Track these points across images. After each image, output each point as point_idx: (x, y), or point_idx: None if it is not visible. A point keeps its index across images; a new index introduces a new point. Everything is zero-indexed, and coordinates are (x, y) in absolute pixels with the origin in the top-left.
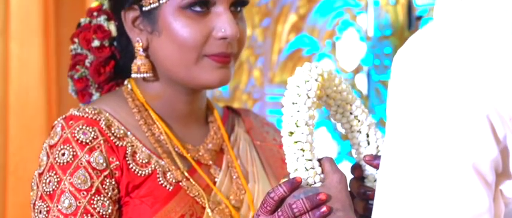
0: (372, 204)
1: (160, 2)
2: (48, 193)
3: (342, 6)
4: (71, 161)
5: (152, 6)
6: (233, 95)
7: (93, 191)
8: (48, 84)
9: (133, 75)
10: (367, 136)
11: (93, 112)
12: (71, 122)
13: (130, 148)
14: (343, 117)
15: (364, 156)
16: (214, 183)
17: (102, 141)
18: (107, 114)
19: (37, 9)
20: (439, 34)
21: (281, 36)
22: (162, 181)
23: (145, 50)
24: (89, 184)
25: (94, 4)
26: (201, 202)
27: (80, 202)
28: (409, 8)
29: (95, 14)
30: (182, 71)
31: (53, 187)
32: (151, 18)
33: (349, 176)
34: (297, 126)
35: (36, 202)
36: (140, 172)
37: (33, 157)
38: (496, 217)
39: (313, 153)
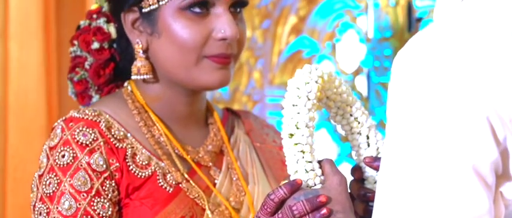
0: (372, 206)
1: (160, 3)
2: (48, 194)
3: (342, 8)
4: (71, 163)
5: (152, 7)
6: (233, 97)
7: (93, 193)
8: (48, 85)
9: (133, 77)
10: (367, 138)
11: (93, 114)
12: (71, 124)
13: (130, 149)
14: (343, 119)
15: (364, 158)
16: (214, 185)
17: (102, 143)
18: (107, 116)
19: (36, 10)
20: (439, 36)
21: (281, 38)
22: (162, 183)
23: (145, 51)
24: (89, 185)
25: (93, 6)
26: (201, 204)
27: (80, 204)
28: (409, 9)
29: (95, 16)
30: (182, 72)
31: (53, 188)
32: (151, 20)
33: (349, 178)
34: (297, 128)
35: (36, 204)
36: (140, 173)
37: (32, 158)
38: None
39: (313, 154)
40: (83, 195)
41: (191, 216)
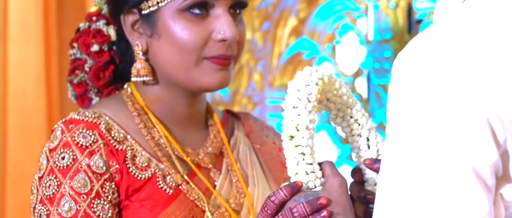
0: (372, 208)
1: (160, 5)
2: (48, 196)
3: (342, 10)
4: (70, 165)
5: (151, 9)
6: (233, 99)
7: (93, 194)
8: (49, 87)
9: (133, 79)
10: (368, 139)
11: (93, 115)
12: (70, 126)
13: (130, 151)
14: (344, 121)
15: (365, 160)
16: (214, 187)
17: (102, 145)
18: (107, 118)
19: (35, 12)
20: (439, 38)
21: (281, 40)
22: (162, 185)
23: (145, 53)
24: (89, 187)
25: (93, 9)
26: (200, 206)
27: (79, 206)
28: (409, 11)
29: (94, 18)
30: (182, 74)
31: (53, 190)
32: (150, 22)
33: (350, 180)
34: (298, 130)
35: (36, 206)
36: (140, 175)
37: (30, 160)
38: None
39: (313, 156)
40: (83, 197)
41: None
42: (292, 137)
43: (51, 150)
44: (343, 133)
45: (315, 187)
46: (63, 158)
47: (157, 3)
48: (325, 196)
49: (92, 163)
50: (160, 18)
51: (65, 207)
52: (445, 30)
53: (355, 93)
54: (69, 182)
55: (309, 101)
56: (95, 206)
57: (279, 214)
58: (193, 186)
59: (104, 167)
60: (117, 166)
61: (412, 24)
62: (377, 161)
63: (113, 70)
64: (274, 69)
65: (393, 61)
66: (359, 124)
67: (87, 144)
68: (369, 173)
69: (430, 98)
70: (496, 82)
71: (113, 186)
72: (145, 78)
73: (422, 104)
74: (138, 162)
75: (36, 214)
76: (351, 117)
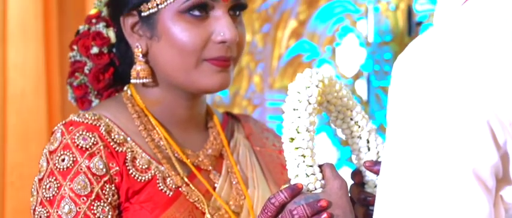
0: (373, 210)
1: (159, 7)
2: (48, 198)
3: (342, 12)
4: (70, 167)
5: (151, 11)
6: (233, 101)
7: (93, 196)
8: (49, 88)
9: (132, 81)
10: (368, 142)
11: (93, 117)
12: (70, 128)
13: (130, 153)
14: (344, 123)
15: (365, 162)
16: (214, 189)
17: (102, 147)
18: (107, 120)
19: (35, 13)
20: (439, 40)
21: (281, 42)
22: (161, 187)
23: (145, 55)
24: (89, 189)
25: (92, 11)
26: (200, 208)
27: (79, 208)
28: (409, 13)
29: (94, 21)
30: (182, 76)
31: (53, 192)
32: (150, 24)
33: (350, 182)
34: (298, 132)
35: (36, 208)
36: (140, 177)
37: (29, 162)
38: None
39: (314, 159)
40: (83, 199)
41: None
42: (292, 139)
43: (51, 152)
44: (343, 135)
45: (315, 189)
46: (63, 160)
47: (157, 5)
48: (326, 198)
49: (92, 165)
50: (160, 20)
51: (65, 209)
52: (445, 32)
53: (355, 95)
54: (69, 184)
55: (309, 103)
56: (94, 208)
57: (279, 216)
58: (193, 188)
59: (104, 170)
60: (117, 168)
61: (412, 26)
62: (377, 163)
63: (112, 72)
64: (274, 71)
65: (393, 64)
66: (359, 126)
67: (87, 146)
68: (369, 176)
69: (430, 100)
70: (496, 85)
71: (113, 188)
72: (145, 80)
73: (422, 106)
74: (138, 164)
75: (36, 216)
76: (351, 119)
